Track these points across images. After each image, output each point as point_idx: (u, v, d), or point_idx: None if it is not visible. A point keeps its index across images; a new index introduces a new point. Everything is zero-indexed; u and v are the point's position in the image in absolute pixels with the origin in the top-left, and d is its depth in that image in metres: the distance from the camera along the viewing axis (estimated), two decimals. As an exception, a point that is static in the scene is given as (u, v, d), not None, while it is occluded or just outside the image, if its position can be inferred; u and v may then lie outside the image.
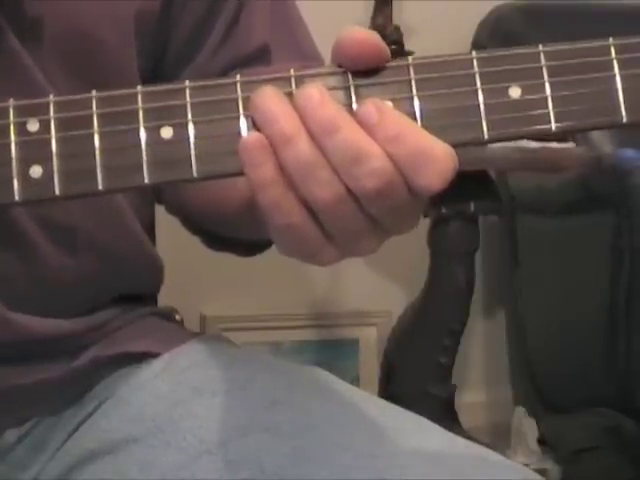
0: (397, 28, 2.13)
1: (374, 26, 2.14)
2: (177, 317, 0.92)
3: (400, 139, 0.57)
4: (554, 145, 1.78)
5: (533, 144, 1.73)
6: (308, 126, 0.57)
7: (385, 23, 2.13)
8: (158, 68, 0.85)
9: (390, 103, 0.59)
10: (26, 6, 0.75)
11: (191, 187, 0.84)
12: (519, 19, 2.20)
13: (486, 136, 0.59)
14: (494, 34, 2.21)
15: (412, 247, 1.96)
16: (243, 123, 0.59)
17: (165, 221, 0.93)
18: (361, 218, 0.58)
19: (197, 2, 0.85)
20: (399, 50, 2.06)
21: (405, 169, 0.57)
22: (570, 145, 1.83)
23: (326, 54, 0.85)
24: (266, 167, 0.57)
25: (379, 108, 0.58)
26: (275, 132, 0.57)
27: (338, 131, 0.57)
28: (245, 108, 0.59)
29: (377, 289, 2.29)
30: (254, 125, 0.58)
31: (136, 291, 0.87)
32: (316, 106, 0.57)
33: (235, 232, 0.87)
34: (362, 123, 0.58)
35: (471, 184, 1.81)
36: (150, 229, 0.90)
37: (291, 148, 0.57)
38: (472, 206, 1.91)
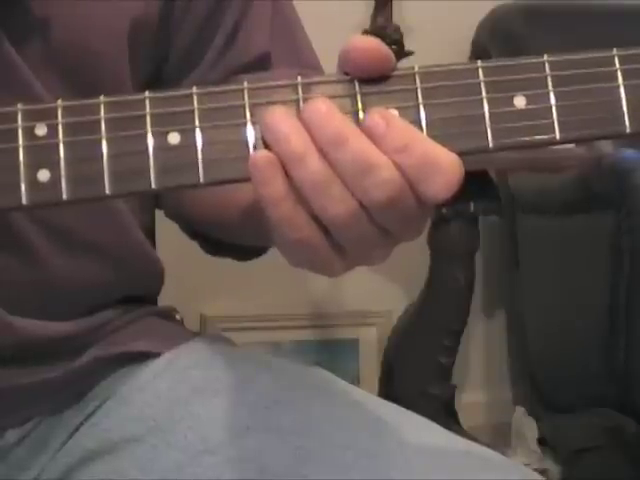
0: (397, 28, 2.14)
1: (374, 26, 2.14)
2: (177, 317, 0.92)
3: (407, 150, 0.57)
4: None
5: (533, 144, 1.73)
6: (316, 140, 0.58)
7: (385, 23, 2.13)
8: (160, 74, 0.85)
9: (396, 112, 0.59)
10: (26, 15, 0.75)
11: (192, 193, 0.85)
12: (519, 19, 2.20)
13: (491, 145, 0.59)
14: (494, 34, 2.21)
15: (412, 247, 1.96)
16: (250, 130, 0.59)
17: (165, 222, 0.93)
18: (372, 229, 0.59)
19: (199, 9, 0.85)
20: (399, 50, 2.06)
21: (412, 179, 0.57)
22: (570, 145, 1.84)
23: (326, 53, 0.85)
24: (277, 184, 0.57)
25: (386, 118, 0.58)
26: (285, 151, 0.57)
27: (345, 143, 0.57)
28: (252, 114, 0.59)
29: (377, 289, 2.29)
30: (264, 144, 0.59)
31: (136, 293, 0.87)
32: (323, 119, 0.57)
33: (235, 238, 0.87)
34: (369, 134, 0.58)
35: (471, 184, 1.80)
36: (150, 231, 0.90)
37: (302, 166, 0.57)
38: (472, 206, 1.91)
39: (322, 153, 0.57)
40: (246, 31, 0.87)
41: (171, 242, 0.93)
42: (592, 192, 1.96)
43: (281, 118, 0.58)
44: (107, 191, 0.58)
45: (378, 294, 2.30)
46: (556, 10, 2.22)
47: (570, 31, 2.11)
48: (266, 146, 0.58)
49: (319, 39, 0.93)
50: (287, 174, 0.58)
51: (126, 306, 0.85)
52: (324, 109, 0.58)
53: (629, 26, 2.08)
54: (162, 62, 0.86)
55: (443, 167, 0.58)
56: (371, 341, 2.30)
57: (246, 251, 0.88)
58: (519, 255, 2.25)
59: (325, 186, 0.57)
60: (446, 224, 1.94)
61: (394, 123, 0.58)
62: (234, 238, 0.87)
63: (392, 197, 0.57)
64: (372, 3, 2.16)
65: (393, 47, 2.04)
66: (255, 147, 0.59)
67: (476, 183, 1.85)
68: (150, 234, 0.90)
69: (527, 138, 0.60)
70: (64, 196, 0.58)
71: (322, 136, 0.57)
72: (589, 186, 1.97)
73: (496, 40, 2.18)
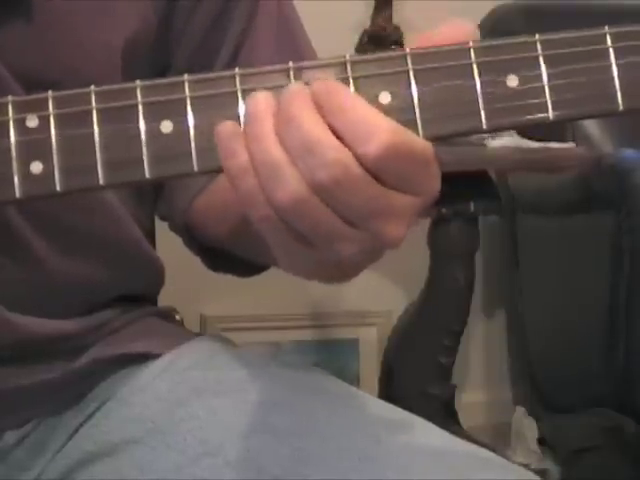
0: (397, 28, 2.14)
1: (374, 26, 2.14)
2: (177, 317, 0.92)
3: (342, 112, 0.57)
4: (554, 145, 1.78)
5: (533, 144, 1.73)
6: (276, 120, 0.57)
7: (385, 23, 2.13)
8: None
9: (389, 95, 0.58)
10: (23, 33, 0.75)
11: (196, 201, 0.85)
12: (519, 19, 2.21)
13: (484, 126, 0.59)
14: (494, 34, 2.20)
15: (412, 247, 1.96)
16: (242, 116, 0.59)
17: (165, 222, 0.93)
18: (329, 218, 0.58)
19: (199, 24, 0.85)
20: (399, 50, 2.06)
21: (351, 144, 0.56)
22: (570, 145, 1.83)
23: (326, 53, 0.85)
24: (241, 156, 0.57)
25: (327, 84, 0.58)
26: (248, 130, 0.57)
27: (293, 121, 0.57)
28: (244, 100, 0.59)
29: (377, 289, 2.29)
30: None
31: (135, 292, 0.87)
32: (286, 100, 0.57)
33: (237, 249, 0.86)
34: (314, 99, 0.57)
35: (471, 184, 1.81)
36: (150, 232, 0.90)
37: (258, 146, 0.57)
38: (472, 206, 1.91)
39: (278, 135, 0.57)
40: (252, 43, 0.86)
41: (171, 242, 0.93)
42: (592, 192, 1.97)
43: (258, 100, 0.58)
44: (101, 182, 0.58)
45: (378, 294, 2.30)
46: (556, 10, 2.22)
47: (570, 31, 2.11)
48: None
49: (319, 39, 0.93)
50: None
51: (125, 306, 0.85)
52: (291, 88, 0.58)
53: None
54: (164, 72, 0.86)
55: (374, 127, 0.56)
56: (371, 341, 2.30)
57: (247, 267, 0.88)
58: (519, 255, 2.25)
59: (273, 168, 0.57)
60: (446, 224, 1.94)
61: (334, 88, 0.58)
62: (237, 249, 0.86)
63: (337, 178, 0.56)
64: (372, 3, 2.16)
65: (393, 47, 2.04)
66: None
67: (476, 183, 1.85)
68: (150, 234, 0.90)
69: (520, 118, 0.59)
70: (58, 188, 0.58)
71: (280, 115, 0.57)
72: (589, 186, 1.97)
73: (496, 40, 2.18)
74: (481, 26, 2.25)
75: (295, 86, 0.58)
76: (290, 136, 0.57)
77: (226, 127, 0.58)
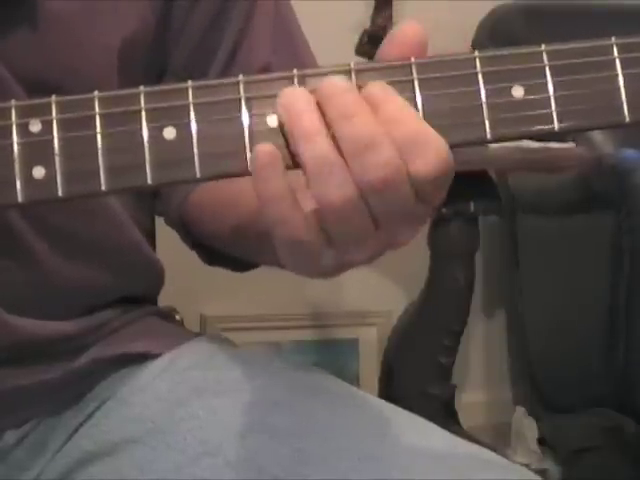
0: (397, 28, 2.13)
1: (374, 26, 2.14)
2: (177, 317, 0.92)
3: (401, 122, 0.57)
4: (554, 145, 1.78)
5: (533, 144, 1.73)
6: (326, 115, 0.57)
7: (385, 23, 2.13)
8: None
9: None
10: (24, 35, 0.75)
11: (194, 199, 0.85)
12: (519, 19, 2.21)
13: (489, 136, 0.59)
14: (494, 34, 2.21)
15: (412, 247, 1.95)
16: (246, 123, 0.59)
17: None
18: (366, 219, 0.58)
19: (197, 24, 0.85)
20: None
21: (405, 153, 0.57)
22: (570, 145, 1.84)
23: (326, 53, 0.85)
24: (276, 181, 0.57)
25: (385, 90, 0.58)
26: (296, 128, 0.57)
27: (351, 118, 0.56)
28: (247, 108, 0.59)
29: (377, 289, 2.29)
30: (279, 124, 0.58)
31: (135, 293, 0.87)
32: (336, 93, 0.57)
33: (230, 250, 0.87)
34: (366, 102, 0.57)
35: (471, 184, 1.81)
36: (150, 232, 0.90)
37: (310, 145, 0.57)
38: (472, 206, 1.91)
39: (330, 130, 0.57)
40: (249, 43, 0.87)
41: (171, 242, 0.93)
42: (592, 192, 1.97)
43: (297, 96, 0.58)
44: (103, 187, 0.58)
45: (378, 294, 2.30)
46: (556, 10, 2.22)
47: (570, 31, 2.11)
48: (281, 127, 0.58)
49: (319, 39, 0.93)
50: (294, 153, 0.57)
51: (125, 306, 0.85)
52: (340, 84, 0.57)
53: (629, 26, 2.08)
54: (162, 74, 0.86)
55: (433, 145, 0.57)
56: (371, 341, 2.30)
57: (240, 263, 0.88)
58: (519, 255, 2.25)
59: (328, 169, 0.56)
60: (446, 224, 1.94)
61: (392, 95, 0.58)
62: (229, 250, 0.87)
63: (388, 179, 0.56)
64: (372, 3, 2.16)
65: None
66: (251, 141, 0.59)
67: (476, 183, 1.85)
68: (150, 235, 0.90)
69: (525, 128, 0.59)
70: (59, 193, 0.58)
71: (332, 109, 0.57)
72: (589, 186, 1.97)
73: (496, 40, 2.18)
74: (481, 26, 2.26)
75: (340, 82, 0.58)
76: (346, 133, 0.57)
77: (263, 151, 0.57)
